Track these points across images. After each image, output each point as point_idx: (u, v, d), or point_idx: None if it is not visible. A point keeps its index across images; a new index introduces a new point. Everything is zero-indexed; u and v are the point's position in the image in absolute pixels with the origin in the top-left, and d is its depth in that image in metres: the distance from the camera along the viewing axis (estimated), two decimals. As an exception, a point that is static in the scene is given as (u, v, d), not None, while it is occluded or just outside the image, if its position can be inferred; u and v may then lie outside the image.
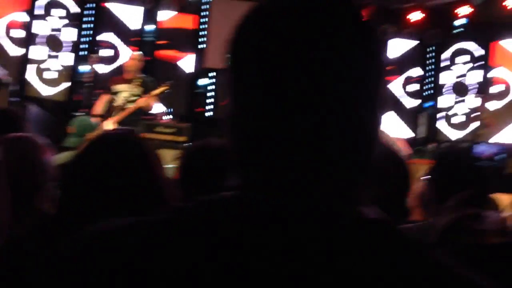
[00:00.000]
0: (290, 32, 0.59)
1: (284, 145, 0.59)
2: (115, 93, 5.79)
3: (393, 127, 9.12)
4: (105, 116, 5.70)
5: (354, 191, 0.61)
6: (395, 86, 9.78)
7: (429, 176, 1.79)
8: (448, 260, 0.57)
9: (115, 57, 8.52)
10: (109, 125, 5.55)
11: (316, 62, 0.58)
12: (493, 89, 9.09)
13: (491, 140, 8.36)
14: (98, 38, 8.69)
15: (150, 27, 8.92)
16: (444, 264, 0.56)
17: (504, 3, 8.23)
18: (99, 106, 5.81)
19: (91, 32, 8.69)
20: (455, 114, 9.54)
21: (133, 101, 5.63)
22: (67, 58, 8.36)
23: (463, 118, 9.35)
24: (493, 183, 1.68)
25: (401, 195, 1.21)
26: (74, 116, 5.73)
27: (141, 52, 6.48)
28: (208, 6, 9.22)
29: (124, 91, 5.71)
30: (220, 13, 9.21)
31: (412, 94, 9.82)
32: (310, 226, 0.55)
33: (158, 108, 6.60)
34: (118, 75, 6.16)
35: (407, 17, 9.21)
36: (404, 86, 9.82)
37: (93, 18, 8.74)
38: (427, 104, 9.71)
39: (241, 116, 0.62)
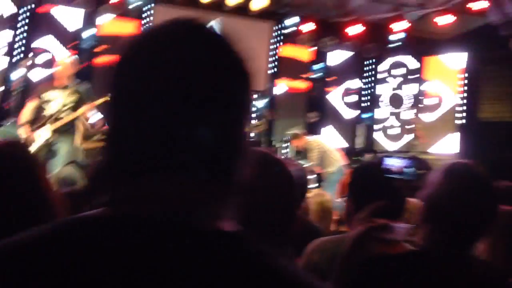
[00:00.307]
0: (154, 64, 0.66)
1: (146, 163, 0.65)
2: (47, 101, 5.47)
3: (332, 137, 9.34)
4: (35, 124, 5.40)
5: (214, 206, 0.66)
6: (335, 97, 10.03)
7: (348, 191, 1.84)
8: (287, 265, 0.64)
9: (52, 62, 8.25)
10: (44, 134, 5.31)
11: (178, 88, 0.65)
12: (426, 102, 9.51)
13: (426, 151, 8.74)
14: (35, 42, 8.39)
15: (89, 32, 8.72)
16: (277, 268, 0.63)
17: (434, 20, 8.64)
18: (26, 114, 5.47)
19: (25, 35, 8.38)
20: (391, 126, 9.89)
21: (67, 110, 5.39)
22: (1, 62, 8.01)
23: (398, 130, 9.72)
24: (406, 194, 1.75)
25: (288, 212, 1.23)
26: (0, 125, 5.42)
27: (75, 56, 6.10)
28: (150, 12, 9.14)
29: (56, 99, 5.44)
30: (162, 19, 9.13)
31: (351, 105, 10.11)
32: (161, 241, 0.61)
33: (96, 116, 6.41)
34: (50, 81, 5.82)
35: (346, 30, 9.49)
36: (343, 97, 10.08)
37: (27, 21, 8.42)
38: (364, 115, 10.02)
39: (112, 136, 0.68)
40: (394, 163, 1.56)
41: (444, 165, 1.43)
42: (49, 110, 5.44)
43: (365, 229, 1.41)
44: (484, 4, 7.81)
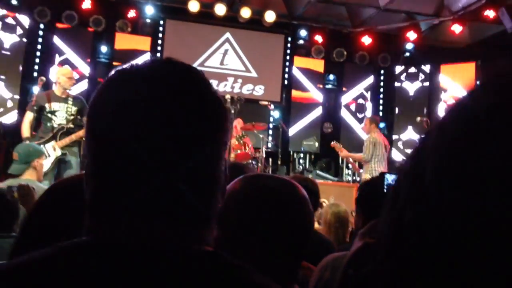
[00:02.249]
0: (130, 104, 0.67)
1: (124, 203, 0.67)
2: (52, 111, 5.50)
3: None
4: (45, 138, 5.48)
5: (195, 232, 0.69)
6: (348, 107, 9.99)
7: (356, 206, 1.85)
8: (264, 281, 0.69)
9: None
10: (52, 150, 5.38)
11: (156, 127, 0.66)
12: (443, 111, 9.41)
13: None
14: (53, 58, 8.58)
15: (104, 49, 8.87)
16: (255, 284, 0.67)
17: (451, 28, 8.61)
18: (27, 127, 5.49)
19: (41, 53, 8.57)
20: (409, 138, 9.80)
21: (71, 121, 5.47)
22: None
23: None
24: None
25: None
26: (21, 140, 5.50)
27: (68, 68, 6.12)
28: (162, 28, 9.25)
29: (60, 110, 5.49)
30: (174, 34, 9.25)
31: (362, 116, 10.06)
32: (148, 265, 0.64)
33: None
34: (48, 92, 5.73)
35: (360, 40, 9.48)
36: (356, 107, 10.03)
37: (44, 35, 8.60)
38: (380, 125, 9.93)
39: (93, 170, 0.70)
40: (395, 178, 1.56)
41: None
42: (56, 121, 5.52)
43: (362, 246, 1.39)
44: (498, 12, 7.75)
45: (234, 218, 1.12)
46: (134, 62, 0.74)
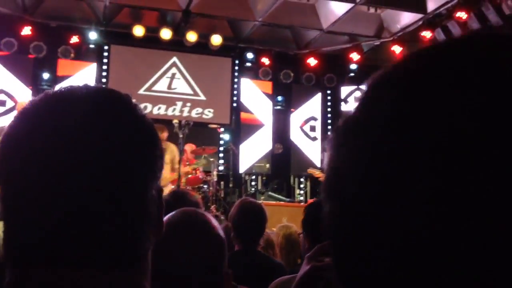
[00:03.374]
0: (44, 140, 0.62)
1: (50, 245, 0.61)
2: None
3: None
4: None
5: (122, 276, 0.63)
6: (296, 127, 10.13)
7: (302, 228, 1.84)
8: None
9: (13, 104, 8.16)
10: None
11: (73, 165, 0.61)
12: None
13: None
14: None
15: (45, 75, 8.62)
16: None
17: (392, 48, 8.94)
18: None
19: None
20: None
21: None
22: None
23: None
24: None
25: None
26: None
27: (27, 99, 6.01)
28: (106, 54, 9.10)
29: None
30: (119, 60, 9.12)
31: (310, 135, 10.21)
32: None
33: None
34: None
35: (305, 62, 9.68)
36: (302, 127, 10.18)
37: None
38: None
39: (11, 220, 0.64)
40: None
41: None
42: None
43: (310, 269, 1.37)
44: (434, 33, 8.13)
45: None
46: (52, 90, 0.68)
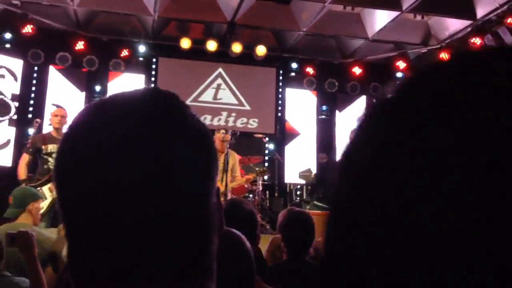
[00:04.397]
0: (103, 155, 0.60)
1: (118, 262, 0.60)
2: (49, 153, 5.49)
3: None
4: (42, 180, 5.45)
5: (193, 285, 0.62)
6: (344, 137, 10.06)
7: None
8: None
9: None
10: (48, 191, 5.35)
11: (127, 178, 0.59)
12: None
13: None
14: (47, 100, 8.65)
15: (97, 88, 8.95)
16: None
17: (440, 56, 8.76)
18: (23, 169, 5.48)
19: (35, 95, 8.65)
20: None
21: None
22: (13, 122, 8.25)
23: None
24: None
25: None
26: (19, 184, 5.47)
27: (61, 109, 6.07)
28: (154, 66, 9.37)
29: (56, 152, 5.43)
30: (167, 72, 9.36)
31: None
32: None
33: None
34: (44, 134, 5.84)
35: (351, 71, 9.62)
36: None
37: (35, 81, 8.70)
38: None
39: (66, 228, 0.63)
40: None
41: None
42: (53, 163, 5.50)
43: None
44: (484, 39, 7.93)
45: None
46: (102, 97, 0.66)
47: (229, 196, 6.11)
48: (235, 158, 6.27)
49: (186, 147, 0.62)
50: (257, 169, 6.65)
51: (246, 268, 1.23)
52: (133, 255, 0.58)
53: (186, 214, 0.61)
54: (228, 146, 6.03)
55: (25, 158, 5.56)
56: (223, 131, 6.08)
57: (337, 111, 10.05)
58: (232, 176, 6.23)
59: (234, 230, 1.29)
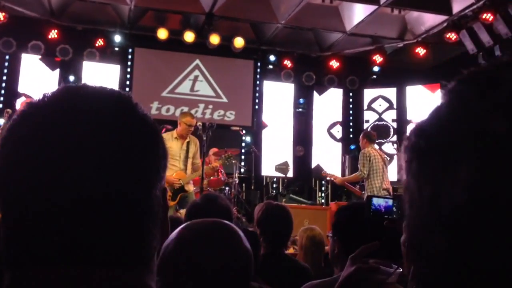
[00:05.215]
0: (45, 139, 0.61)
1: (53, 247, 0.59)
2: None
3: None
4: None
5: (129, 275, 0.62)
6: (320, 130, 10.11)
7: (332, 232, 1.84)
8: None
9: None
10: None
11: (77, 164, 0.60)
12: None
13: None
14: (18, 90, 8.44)
15: (71, 78, 8.76)
16: None
17: (416, 51, 8.85)
18: None
19: (6, 85, 8.43)
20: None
21: None
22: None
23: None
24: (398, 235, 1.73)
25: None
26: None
27: (32, 98, 6.00)
28: (130, 56, 9.22)
29: None
30: (143, 62, 9.23)
31: (336, 138, 10.18)
32: None
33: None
34: None
35: (329, 64, 9.65)
36: (328, 130, 10.16)
37: (6, 70, 8.48)
38: (352, 147, 10.08)
39: (10, 220, 0.62)
40: (381, 202, 1.55)
41: None
42: None
43: (355, 270, 1.38)
44: (459, 35, 8.03)
45: (170, 265, 1.16)
46: (39, 96, 0.66)
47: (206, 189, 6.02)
48: (196, 144, 6.18)
49: (132, 142, 0.64)
50: (222, 156, 6.59)
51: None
52: (69, 239, 0.59)
53: (128, 204, 0.62)
54: (198, 134, 5.96)
55: None
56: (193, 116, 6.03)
57: (313, 104, 10.08)
58: (193, 163, 6.12)
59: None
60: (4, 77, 8.53)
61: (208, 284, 1.15)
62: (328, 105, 10.19)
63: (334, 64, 9.64)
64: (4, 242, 0.62)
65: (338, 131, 10.21)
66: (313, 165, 9.75)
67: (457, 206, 0.42)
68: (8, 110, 5.83)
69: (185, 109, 9.13)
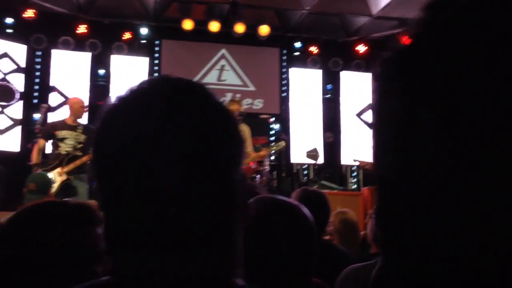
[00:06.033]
0: (144, 127, 0.63)
1: (149, 232, 0.62)
2: (60, 139, 5.58)
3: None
4: (52, 164, 5.53)
5: (223, 266, 0.65)
6: (350, 116, 10.03)
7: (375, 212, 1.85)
8: None
9: (63, 103, 8.43)
10: (57, 175, 5.41)
11: (172, 157, 0.62)
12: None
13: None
14: (51, 85, 8.61)
15: (101, 71, 8.88)
16: None
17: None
18: (36, 154, 5.55)
19: (40, 80, 8.60)
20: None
21: (80, 149, 5.57)
22: (18, 107, 8.22)
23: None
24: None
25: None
26: (29, 168, 5.53)
27: (80, 98, 6.07)
28: (158, 49, 9.30)
29: (69, 138, 5.60)
30: (170, 54, 9.30)
31: (368, 123, 10.09)
32: None
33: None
34: (59, 120, 5.87)
35: (356, 49, 9.54)
36: (359, 115, 10.07)
37: (39, 66, 8.65)
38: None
39: (102, 201, 0.65)
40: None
41: None
42: (65, 148, 5.59)
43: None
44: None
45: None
46: (131, 86, 0.69)
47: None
48: (246, 132, 6.24)
49: (214, 128, 0.65)
50: (271, 144, 6.60)
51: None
52: (160, 227, 0.61)
53: (211, 192, 0.63)
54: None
55: (39, 143, 5.65)
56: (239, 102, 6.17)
57: (341, 90, 9.99)
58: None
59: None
60: (38, 73, 8.70)
61: (273, 261, 1.16)
62: (357, 90, 10.09)
63: (361, 48, 9.52)
64: (107, 227, 0.66)
65: (369, 116, 10.11)
66: (343, 151, 9.69)
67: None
68: (44, 105, 5.97)
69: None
